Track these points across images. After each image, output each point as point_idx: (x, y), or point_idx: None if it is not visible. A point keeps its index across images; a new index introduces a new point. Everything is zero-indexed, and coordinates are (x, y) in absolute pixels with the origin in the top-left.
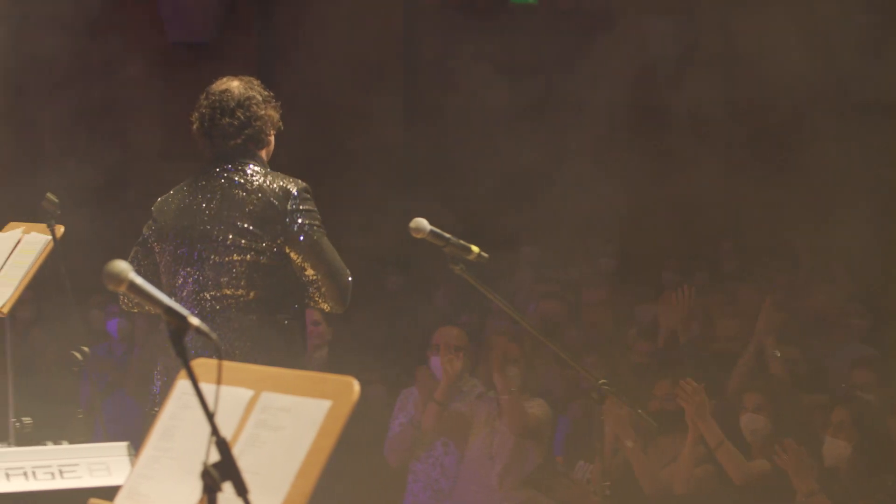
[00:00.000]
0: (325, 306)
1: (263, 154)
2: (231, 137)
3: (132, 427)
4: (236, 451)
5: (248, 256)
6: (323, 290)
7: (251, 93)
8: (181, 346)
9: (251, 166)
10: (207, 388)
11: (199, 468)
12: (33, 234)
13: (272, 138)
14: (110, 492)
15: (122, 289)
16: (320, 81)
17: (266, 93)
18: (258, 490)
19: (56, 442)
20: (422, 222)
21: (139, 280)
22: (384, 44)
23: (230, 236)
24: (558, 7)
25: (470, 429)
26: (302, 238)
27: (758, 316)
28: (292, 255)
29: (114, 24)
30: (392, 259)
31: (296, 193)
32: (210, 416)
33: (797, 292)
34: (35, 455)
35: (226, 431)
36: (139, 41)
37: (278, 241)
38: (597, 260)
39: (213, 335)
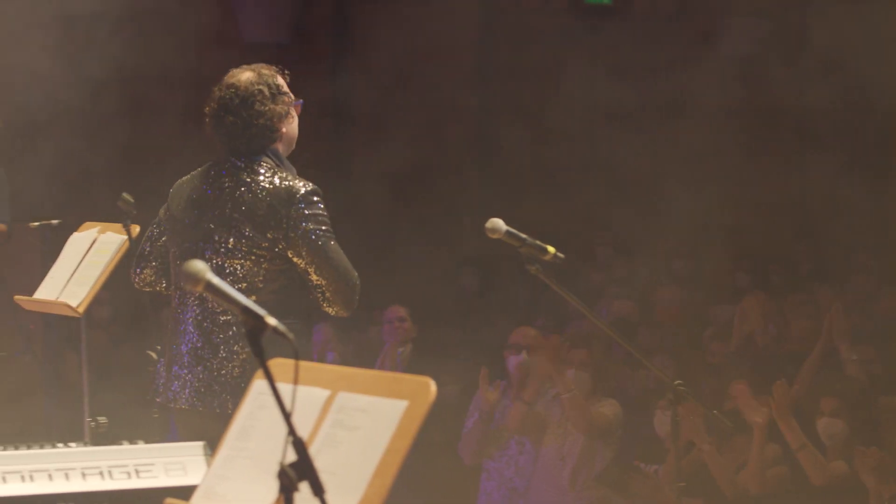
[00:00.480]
0: (331, 310)
1: (280, 146)
2: (236, 137)
3: None
4: (313, 450)
5: (249, 261)
6: (328, 294)
7: (258, 87)
8: (258, 346)
9: (262, 163)
10: (284, 388)
11: (275, 468)
12: (109, 233)
13: (287, 128)
14: (186, 491)
15: (200, 289)
16: (394, 80)
17: (278, 83)
18: (334, 490)
19: (132, 441)
20: (497, 223)
21: (216, 280)
22: (460, 42)
23: (231, 240)
24: (663, 9)
25: (545, 428)
26: (305, 243)
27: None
28: (295, 259)
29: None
30: (469, 259)
31: (300, 197)
32: (287, 415)
33: (873, 293)
34: (111, 455)
35: (302, 431)
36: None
37: (279, 246)
38: (671, 260)
39: (290, 335)
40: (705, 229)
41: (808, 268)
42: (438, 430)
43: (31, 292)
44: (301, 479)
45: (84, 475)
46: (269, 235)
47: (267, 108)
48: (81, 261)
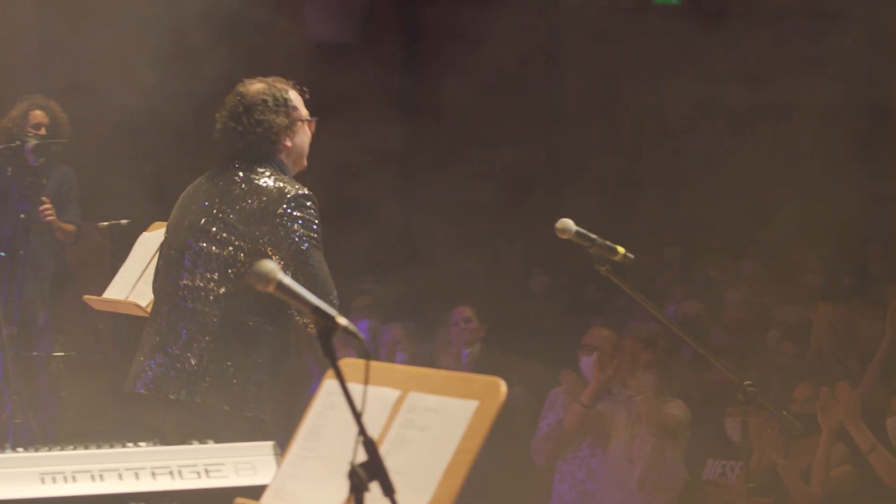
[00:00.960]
0: (301, 320)
1: (284, 158)
2: (234, 142)
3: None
4: (383, 450)
5: (227, 251)
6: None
7: (262, 97)
8: (329, 346)
9: (260, 168)
10: (354, 388)
11: (345, 468)
12: None
13: (294, 142)
14: (256, 491)
15: (271, 289)
16: (466, 81)
17: (286, 97)
18: (405, 490)
19: (202, 441)
20: (567, 223)
21: (287, 280)
22: (529, 39)
23: (214, 228)
24: (787, 7)
25: (611, 430)
26: (288, 244)
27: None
28: (275, 258)
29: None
30: (540, 259)
31: (291, 198)
32: (357, 415)
33: None
34: (181, 454)
35: (372, 431)
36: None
37: (260, 242)
38: (740, 261)
39: (360, 335)
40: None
41: (880, 269)
42: (507, 430)
43: (100, 292)
44: (372, 478)
45: (154, 475)
46: (253, 229)
47: (267, 117)
48: (151, 260)
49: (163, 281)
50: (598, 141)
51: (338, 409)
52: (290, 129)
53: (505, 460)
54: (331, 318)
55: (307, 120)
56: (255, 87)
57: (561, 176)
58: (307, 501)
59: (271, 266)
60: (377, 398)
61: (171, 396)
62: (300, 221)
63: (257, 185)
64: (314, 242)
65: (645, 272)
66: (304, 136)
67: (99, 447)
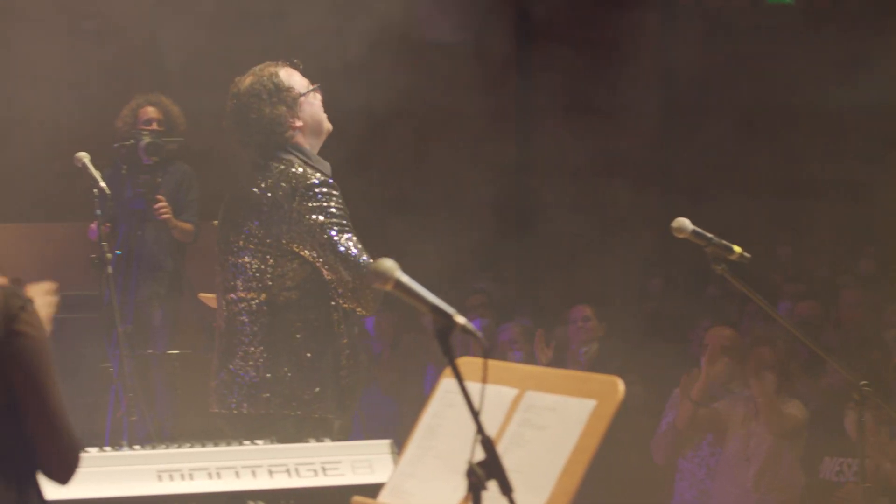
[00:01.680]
0: (348, 306)
1: (301, 139)
2: (246, 143)
3: (387, 424)
4: (500, 449)
5: (256, 258)
6: (339, 290)
7: (253, 95)
8: (447, 345)
9: (280, 159)
10: (472, 387)
11: (463, 466)
12: None
13: (304, 118)
14: (373, 489)
15: (389, 287)
16: (579, 78)
17: (276, 81)
18: (522, 488)
19: (318, 439)
20: (684, 222)
21: (406, 278)
22: (641, 40)
23: (241, 240)
24: None
25: (727, 429)
26: (310, 237)
27: None
28: (303, 254)
29: None
30: (653, 259)
31: (304, 189)
32: (475, 414)
33: None
34: (298, 452)
35: (490, 430)
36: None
37: (284, 241)
38: (857, 261)
39: (479, 334)
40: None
41: None
42: (625, 429)
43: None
44: (489, 477)
45: (271, 472)
46: (273, 231)
47: (265, 112)
48: None
49: (218, 298)
50: (710, 141)
51: (455, 408)
52: (291, 111)
53: (624, 459)
54: (449, 317)
55: (308, 91)
56: (245, 84)
57: (675, 176)
58: (424, 500)
59: (389, 265)
60: (495, 397)
61: (235, 412)
62: (318, 211)
63: (271, 185)
64: (338, 227)
65: (757, 271)
66: (311, 108)
67: (216, 445)
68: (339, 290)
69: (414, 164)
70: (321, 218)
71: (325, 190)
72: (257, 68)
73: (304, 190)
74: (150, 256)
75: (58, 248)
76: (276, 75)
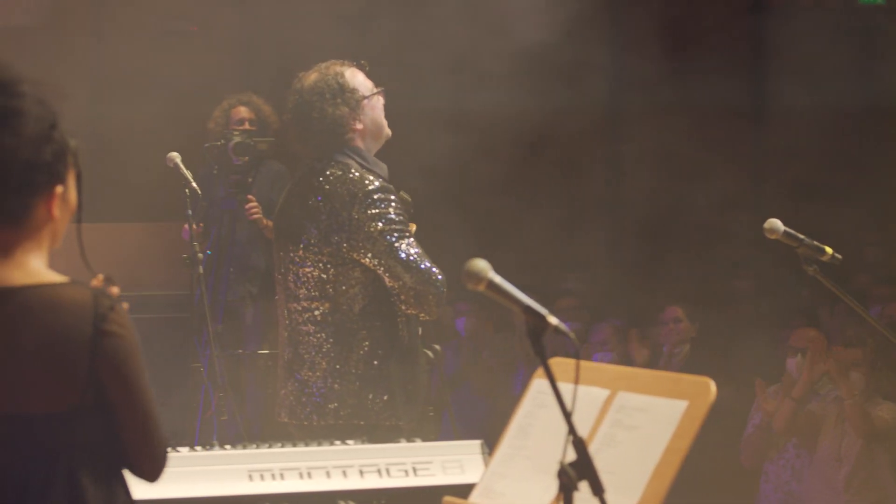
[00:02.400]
0: (411, 311)
1: (360, 142)
2: (305, 141)
3: (478, 425)
4: (592, 450)
5: (317, 268)
6: (402, 296)
7: (316, 93)
8: (540, 345)
9: (337, 163)
10: (564, 388)
11: (554, 467)
12: None
13: (364, 122)
14: (464, 489)
15: (482, 288)
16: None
17: (341, 82)
18: (613, 489)
19: (409, 440)
20: (776, 223)
21: (499, 279)
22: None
23: (300, 250)
24: None
25: (820, 430)
26: (371, 245)
27: None
28: (364, 261)
29: None
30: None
31: (361, 197)
32: (567, 415)
33: None
34: (389, 452)
35: (581, 430)
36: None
37: (343, 249)
38: None
39: (572, 334)
40: None
41: None
42: (716, 430)
43: None
44: (581, 478)
45: (362, 473)
46: (333, 239)
47: (327, 112)
48: None
49: (280, 306)
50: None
51: (547, 409)
52: (353, 113)
53: (711, 461)
54: (542, 318)
55: (372, 94)
56: (310, 80)
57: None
58: (515, 500)
59: (482, 265)
60: (586, 397)
61: (305, 423)
62: (376, 218)
63: (329, 191)
64: (396, 233)
65: (846, 272)
66: (373, 112)
67: (307, 445)
68: (402, 297)
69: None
70: (380, 224)
71: (383, 196)
72: (323, 65)
73: (362, 197)
74: (242, 256)
75: (151, 247)
76: (342, 75)
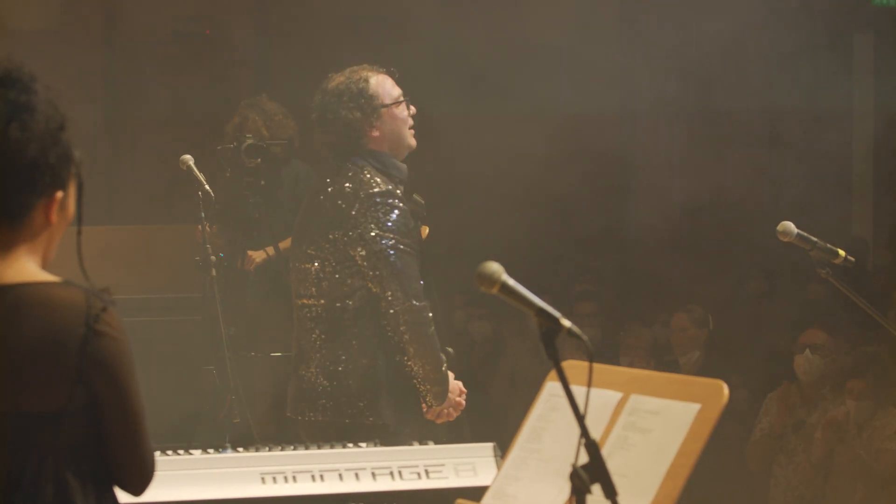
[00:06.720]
0: (387, 324)
1: (375, 147)
2: (325, 142)
3: (494, 428)
4: (604, 452)
5: (316, 264)
6: (382, 304)
7: (338, 93)
8: (553, 348)
9: (354, 165)
10: (577, 390)
11: (566, 469)
12: None
13: (383, 130)
14: (476, 492)
15: (495, 290)
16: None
17: (362, 87)
18: (626, 492)
19: (422, 442)
20: (789, 225)
21: (512, 282)
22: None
23: (304, 246)
24: None
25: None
26: (364, 243)
27: None
28: (357, 259)
29: None
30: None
31: (364, 197)
32: (580, 418)
33: None
34: (401, 455)
35: (594, 433)
36: None
37: (340, 246)
38: None
39: (585, 337)
40: None
41: None
42: (728, 433)
43: None
44: (594, 481)
45: (374, 475)
46: (332, 235)
47: (340, 115)
48: None
49: (293, 303)
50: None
51: (560, 411)
52: (369, 120)
53: (724, 463)
54: (555, 320)
55: (394, 103)
56: (335, 82)
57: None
58: (528, 503)
59: (495, 268)
60: (599, 400)
61: (302, 418)
62: (372, 220)
63: (337, 190)
64: (393, 240)
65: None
66: (393, 121)
67: (319, 447)
68: (382, 304)
69: None
70: (376, 230)
71: (387, 200)
72: (352, 69)
73: (364, 197)
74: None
75: (165, 250)
76: (366, 80)
